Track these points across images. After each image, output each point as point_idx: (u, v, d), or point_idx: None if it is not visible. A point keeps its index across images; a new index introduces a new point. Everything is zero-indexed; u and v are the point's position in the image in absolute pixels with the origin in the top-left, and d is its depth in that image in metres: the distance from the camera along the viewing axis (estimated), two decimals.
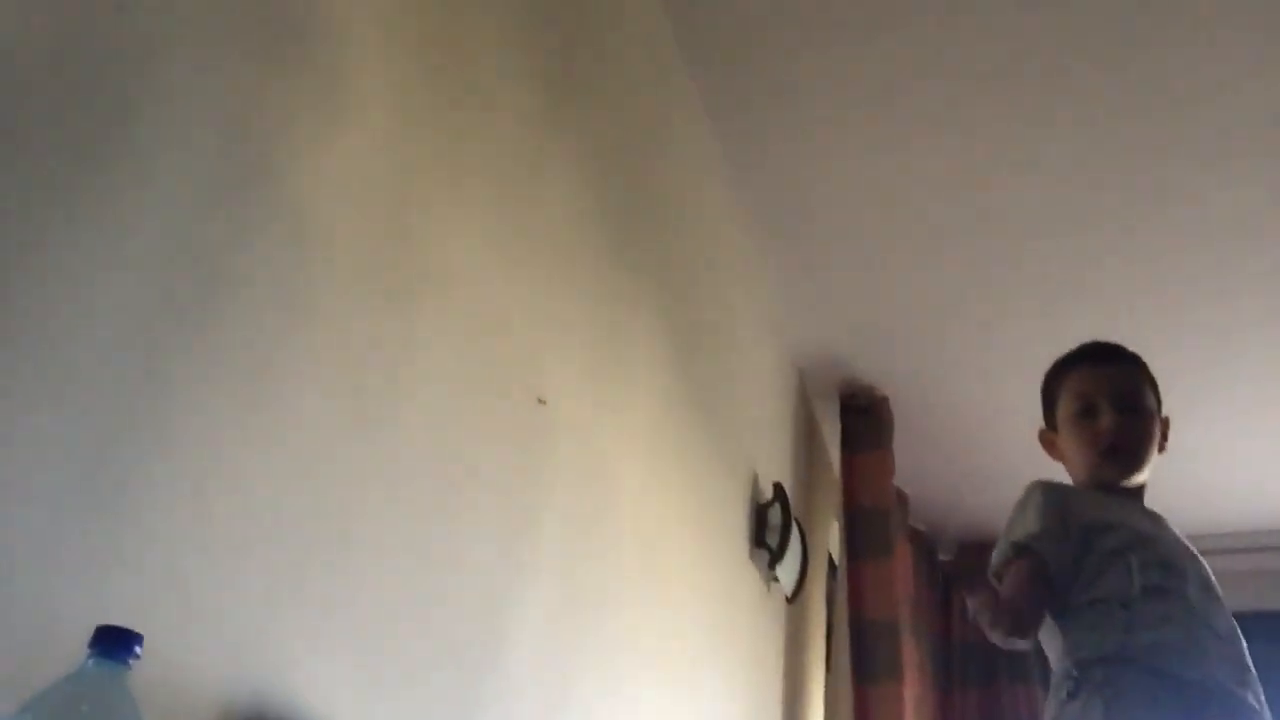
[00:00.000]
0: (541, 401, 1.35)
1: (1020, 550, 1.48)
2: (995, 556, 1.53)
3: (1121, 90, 2.03)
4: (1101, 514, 1.51)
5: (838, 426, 3.00)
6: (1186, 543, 1.57)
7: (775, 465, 2.57)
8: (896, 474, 3.11)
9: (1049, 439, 1.67)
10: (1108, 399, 1.57)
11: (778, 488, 2.42)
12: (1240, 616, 1.51)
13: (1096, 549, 1.47)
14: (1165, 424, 1.63)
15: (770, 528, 2.36)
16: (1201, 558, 1.56)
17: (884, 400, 3.00)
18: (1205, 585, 1.49)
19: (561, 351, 1.43)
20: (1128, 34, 1.92)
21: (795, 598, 2.57)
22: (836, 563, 2.99)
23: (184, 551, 0.77)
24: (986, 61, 1.99)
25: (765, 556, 2.35)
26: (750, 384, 2.46)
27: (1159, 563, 1.46)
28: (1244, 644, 1.46)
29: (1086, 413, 1.58)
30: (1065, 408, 1.62)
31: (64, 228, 0.70)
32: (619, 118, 1.72)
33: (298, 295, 0.92)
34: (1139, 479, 1.58)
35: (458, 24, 1.23)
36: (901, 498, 3.38)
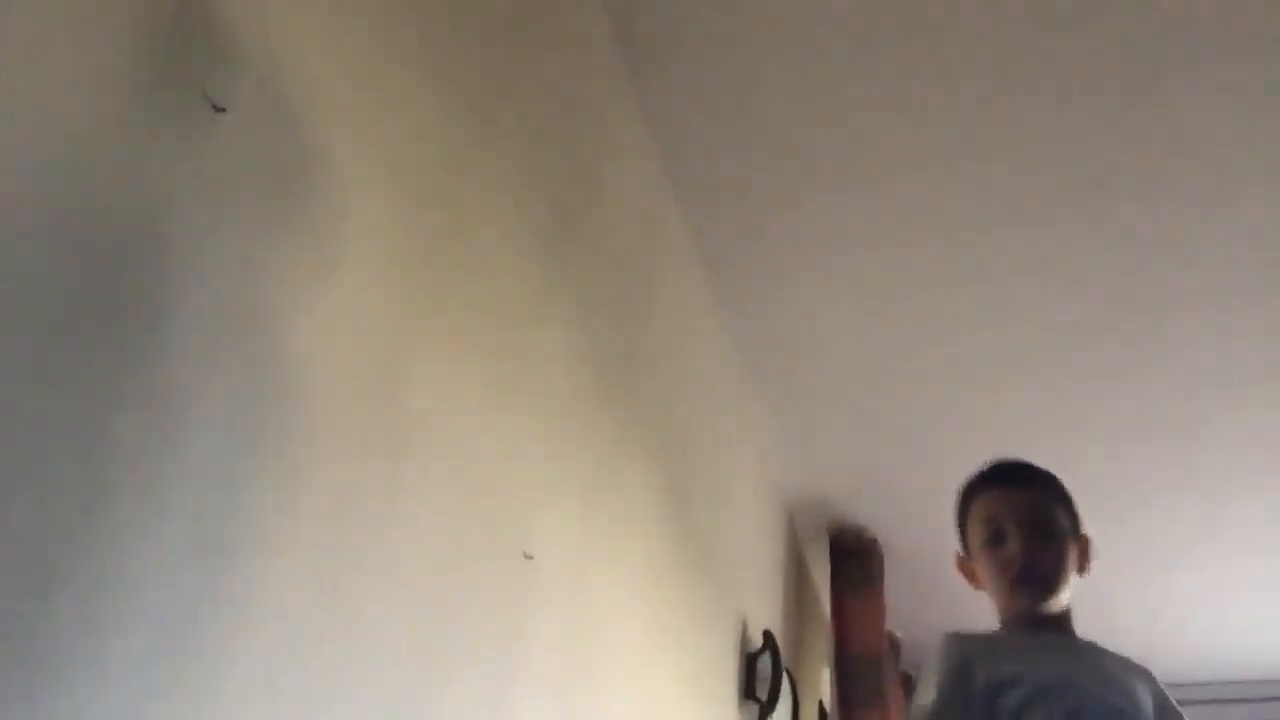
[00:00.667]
0: (528, 556, 1.31)
1: None
2: None
3: (1113, 239, 2.07)
4: (1006, 666, 1.41)
5: (828, 568, 2.96)
6: (1114, 671, 1.46)
7: (765, 611, 2.51)
8: (888, 617, 3.05)
9: (966, 566, 1.59)
10: (1016, 524, 1.49)
11: (768, 636, 2.35)
12: None
13: (999, 712, 1.37)
14: (1084, 543, 1.54)
15: (760, 679, 2.28)
16: (1142, 686, 1.44)
17: (873, 542, 2.96)
18: None
19: (550, 504, 1.40)
20: (1116, 184, 1.96)
21: None
22: (828, 710, 2.90)
23: None
24: (974, 214, 2.03)
25: (755, 709, 2.27)
26: (741, 528, 2.42)
27: (1066, 713, 1.35)
28: None
29: (996, 539, 1.50)
30: (975, 534, 1.55)
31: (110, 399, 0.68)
32: (614, 269, 1.73)
33: (282, 451, 0.90)
34: (1056, 606, 1.48)
35: (457, 179, 1.24)
36: (894, 642, 3.30)
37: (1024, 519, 1.50)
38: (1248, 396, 2.37)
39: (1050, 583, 1.48)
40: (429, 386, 1.14)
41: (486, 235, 1.31)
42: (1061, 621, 1.50)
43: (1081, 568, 1.53)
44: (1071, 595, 1.51)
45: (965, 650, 1.46)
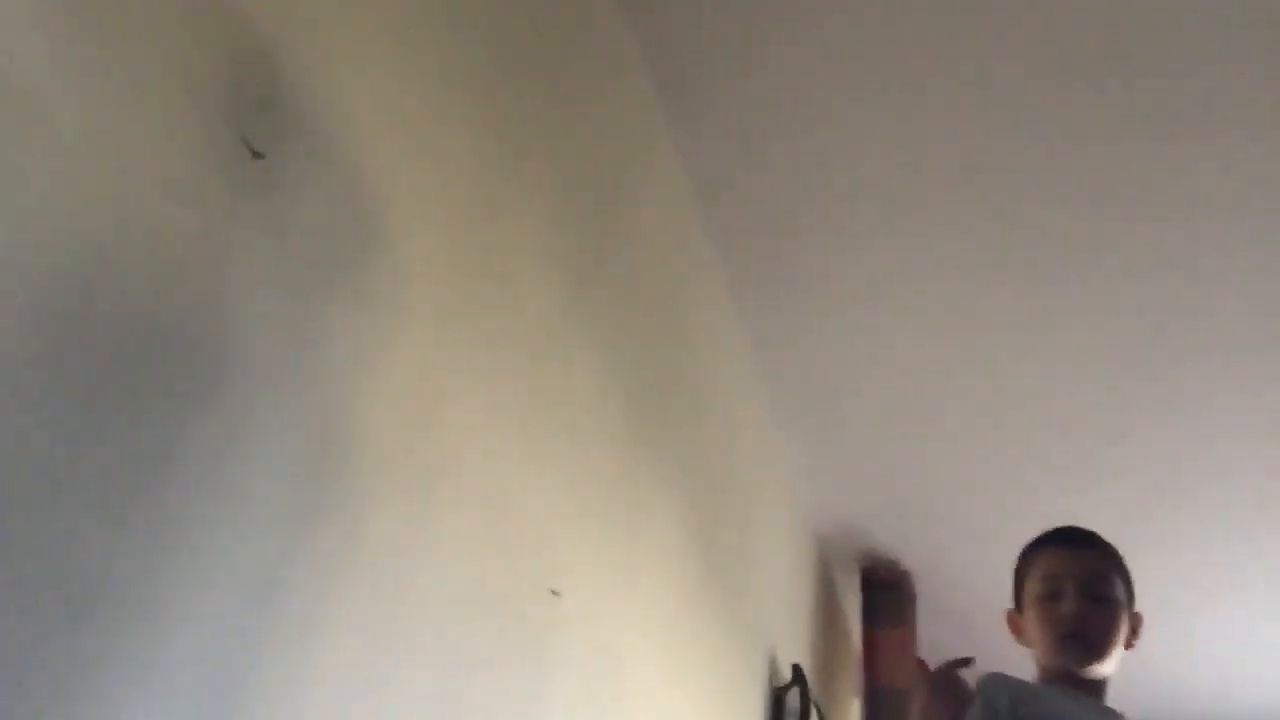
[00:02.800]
0: (555, 593, 1.31)
1: None
2: None
3: (1150, 278, 2.04)
4: (1045, 715, 1.43)
5: (859, 599, 2.93)
6: None
7: (794, 643, 2.50)
8: (922, 651, 3.02)
9: (1015, 621, 1.62)
10: (1074, 583, 1.52)
11: (796, 670, 2.34)
12: None
13: None
14: (1136, 619, 1.57)
15: (789, 713, 2.27)
16: None
17: (906, 575, 2.94)
18: None
19: (577, 540, 1.41)
20: (1150, 226, 1.94)
21: None
22: None
23: None
24: (1014, 256, 2.02)
25: None
26: (770, 560, 2.41)
27: None
28: None
29: (1052, 596, 1.53)
30: (1032, 589, 1.57)
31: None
32: (644, 304, 1.74)
33: (314, 491, 0.91)
34: (1100, 671, 1.51)
35: (490, 220, 1.26)
36: (923, 669, 3.26)
37: (1083, 581, 1.53)
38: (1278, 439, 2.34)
39: (1099, 646, 1.50)
40: (463, 425, 1.15)
41: (519, 274, 1.33)
42: (1099, 689, 1.52)
43: (1129, 643, 1.56)
44: (1114, 668, 1.52)
45: (1013, 692, 1.47)
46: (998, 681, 1.47)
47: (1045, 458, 2.53)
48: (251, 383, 0.85)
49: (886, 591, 2.89)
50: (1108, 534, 2.63)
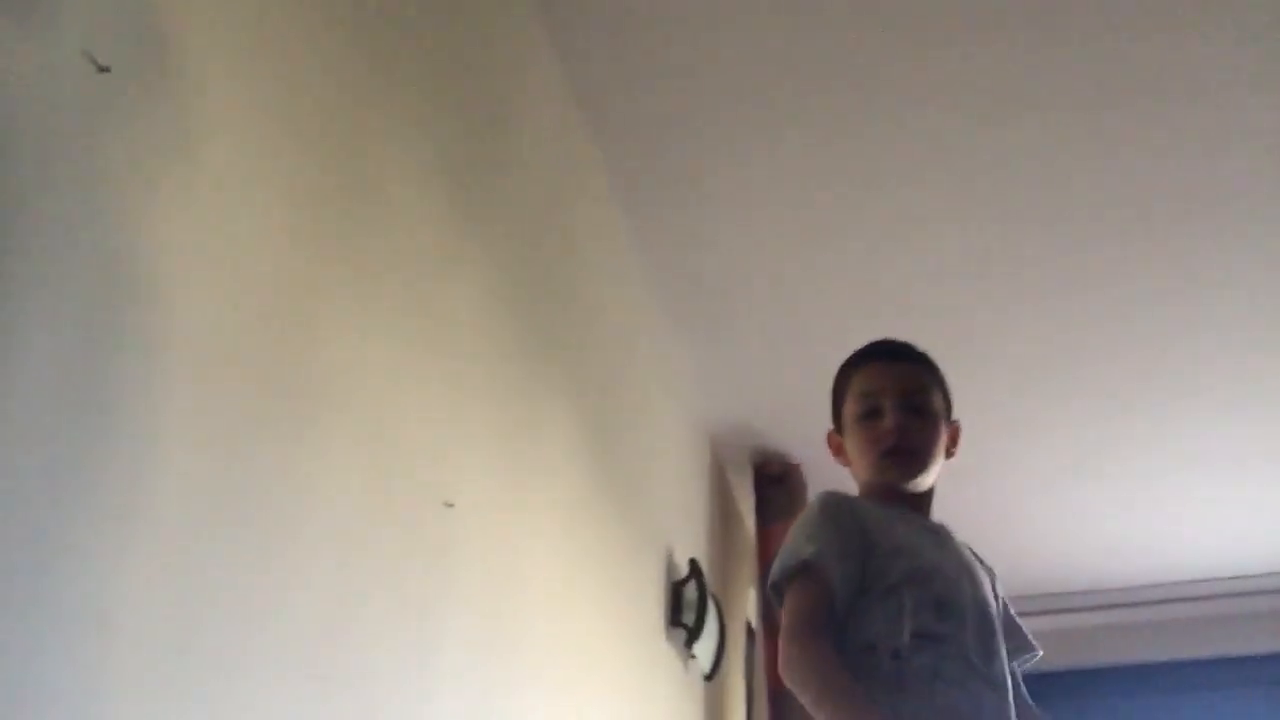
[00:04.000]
0: (449, 505, 1.32)
1: (804, 569, 1.36)
2: (776, 569, 1.40)
3: (1007, 184, 2.11)
4: (885, 537, 1.40)
5: (752, 495, 3.02)
6: (970, 560, 1.49)
7: (691, 540, 2.57)
8: None
9: (835, 442, 1.57)
10: (892, 398, 1.48)
11: (693, 564, 2.41)
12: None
13: (874, 580, 1.36)
14: (955, 429, 1.55)
15: (686, 605, 2.35)
16: (985, 574, 1.49)
17: (796, 468, 3.02)
18: (982, 622, 1.39)
19: (470, 451, 1.41)
20: (1016, 136, 2.00)
21: (714, 675, 2.55)
22: (755, 631, 2.99)
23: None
24: (886, 157, 2.07)
25: (682, 635, 2.34)
26: (664, 459, 2.46)
27: (935, 602, 1.36)
28: (1012, 692, 1.39)
29: (870, 414, 1.49)
30: (850, 408, 1.53)
31: None
32: (529, 213, 1.73)
33: (191, 416, 0.89)
34: (923, 484, 1.49)
35: (359, 128, 1.22)
36: None
37: (900, 395, 1.49)
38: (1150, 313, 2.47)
39: (921, 459, 1.48)
40: (341, 341, 1.14)
41: (395, 185, 1.30)
42: (923, 501, 1.51)
43: (949, 452, 1.54)
44: (935, 479, 1.51)
45: (851, 507, 1.44)
46: (843, 502, 1.44)
47: (930, 346, 2.62)
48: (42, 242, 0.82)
49: (777, 485, 2.98)
50: (988, 412, 2.76)
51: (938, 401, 1.53)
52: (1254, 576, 3.49)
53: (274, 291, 1.03)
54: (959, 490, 3.14)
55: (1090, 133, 2.03)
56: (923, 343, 2.54)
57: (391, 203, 1.29)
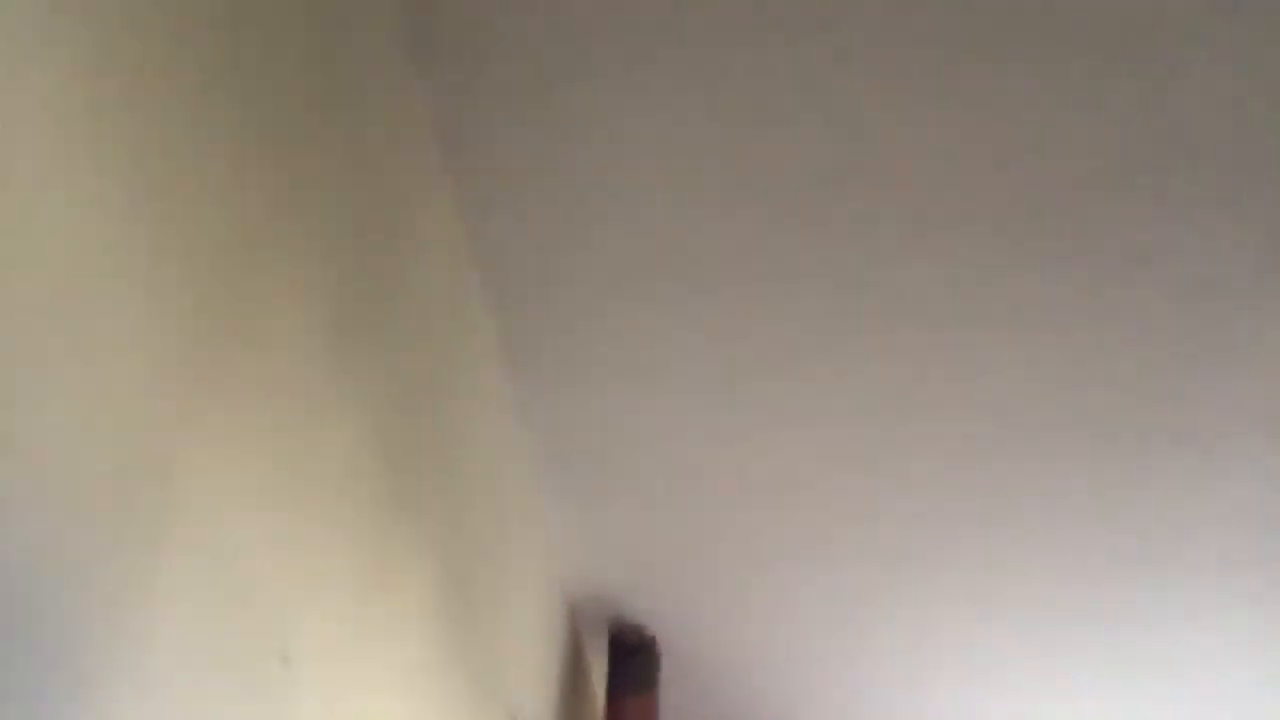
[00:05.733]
0: (285, 660, 1.24)
1: None
2: None
3: (885, 383, 2.19)
4: None
5: (606, 666, 2.94)
6: None
7: (540, 710, 2.47)
8: (663, 716, 3.05)
9: None
10: None
11: None
12: None
13: None
14: None
15: None
16: None
17: (653, 640, 2.97)
18: None
19: (317, 605, 1.33)
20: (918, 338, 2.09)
21: None
22: None
23: None
24: (773, 340, 2.12)
25: None
26: (520, 625, 2.38)
27: None
28: None
29: None
30: None
31: None
32: (410, 359, 1.70)
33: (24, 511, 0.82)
34: None
35: (248, 254, 1.19)
36: None
37: None
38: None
39: None
40: (199, 476, 1.07)
41: (276, 315, 1.26)
42: None
43: None
44: None
45: None
46: None
47: (795, 535, 2.65)
48: None
49: (632, 656, 2.91)
50: (844, 610, 2.78)
51: None
52: None
53: (134, 407, 0.97)
54: (824, 675, 3.13)
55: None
56: (798, 520, 2.59)
57: (271, 328, 1.25)
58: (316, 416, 1.36)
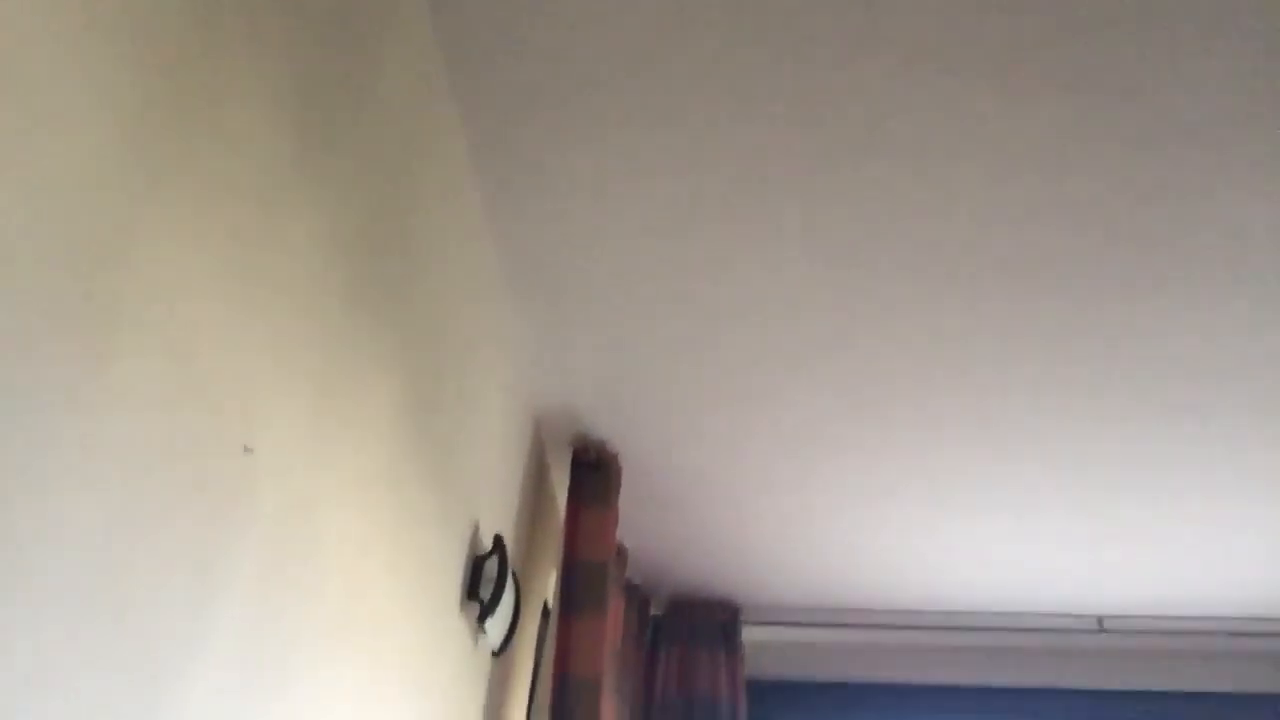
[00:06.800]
0: (248, 450, 1.27)
1: None
2: None
3: (851, 206, 2.19)
4: None
5: (568, 479, 3.04)
6: None
7: (500, 515, 2.56)
8: (620, 529, 3.18)
9: None
10: None
11: (497, 540, 2.40)
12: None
13: None
14: None
15: (485, 580, 2.34)
16: None
17: (614, 457, 3.06)
18: None
19: (279, 397, 1.36)
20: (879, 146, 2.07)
21: (503, 651, 2.55)
22: (551, 612, 3.01)
23: None
24: (742, 158, 2.10)
25: (476, 609, 2.33)
26: (485, 434, 2.44)
27: None
28: None
29: None
30: None
31: None
32: (379, 163, 1.67)
33: None
34: None
35: (206, 37, 1.16)
36: (621, 552, 3.45)
37: None
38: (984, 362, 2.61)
39: None
40: (153, 263, 1.07)
41: (240, 104, 1.23)
42: None
43: None
44: None
45: None
46: None
47: (756, 361, 2.69)
48: None
49: (593, 472, 3.00)
50: (802, 434, 2.85)
51: None
52: (1014, 614, 3.78)
53: (87, 189, 0.97)
54: (775, 499, 3.25)
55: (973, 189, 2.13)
56: (760, 350, 2.63)
57: (235, 121, 1.22)
58: (280, 210, 1.35)
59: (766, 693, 3.91)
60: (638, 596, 3.71)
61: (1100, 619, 3.75)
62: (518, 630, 2.63)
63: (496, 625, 2.43)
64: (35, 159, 0.90)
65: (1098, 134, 2.00)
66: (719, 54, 1.90)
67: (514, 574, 2.49)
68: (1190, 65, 1.86)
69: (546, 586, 3.10)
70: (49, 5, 0.91)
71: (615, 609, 3.13)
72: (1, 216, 0.86)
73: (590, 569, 2.92)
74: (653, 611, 3.85)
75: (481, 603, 2.32)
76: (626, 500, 3.24)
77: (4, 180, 0.86)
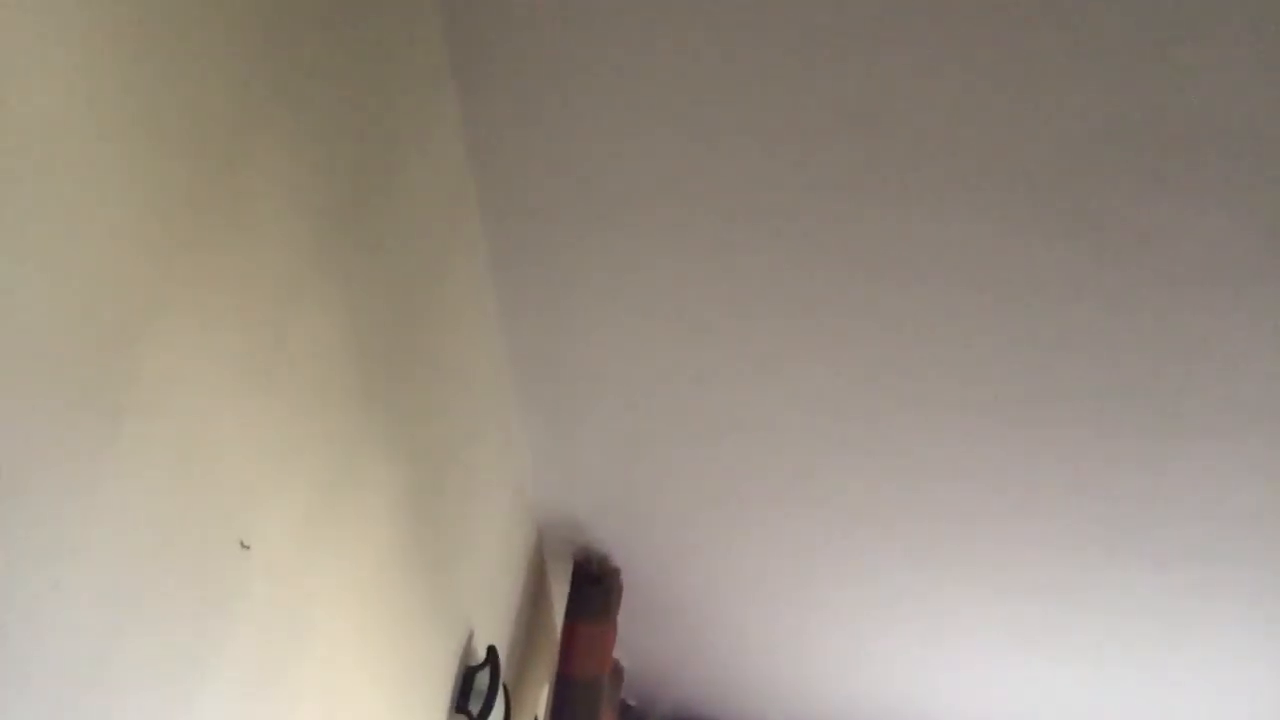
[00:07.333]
0: (244, 546, 1.24)
1: None
2: None
3: (868, 339, 2.19)
4: None
5: (567, 591, 2.98)
6: None
7: (495, 626, 2.50)
8: (617, 646, 3.10)
9: None
10: None
11: (491, 651, 2.34)
12: None
13: None
14: None
15: (475, 693, 2.27)
16: None
17: (616, 571, 3.00)
18: None
19: (281, 495, 1.34)
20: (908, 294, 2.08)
21: None
22: None
23: None
24: (768, 285, 2.11)
25: None
26: (485, 539, 2.40)
27: None
28: None
29: None
30: None
31: None
32: (397, 261, 1.69)
33: None
34: None
35: (242, 135, 1.18)
36: (617, 670, 3.36)
37: None
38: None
39: None
40: (167, 348, 1.07)
41: (265, 197, 1.25)
42: None
43: None
44: None
45: None
46: None
47: (764, 480, 2.66)
48: None
49: (595, 585, 2.94)
50: (798, 556, 2.79)
51: None
52: None
53: (106, 271, 0.96)
54: (761, 608, 3.16)
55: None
56: (775, 472, 2.60)
57: (257, 214, 1.23)
58: (295, 304, 1.35)
59: None
60: (632, 718, 3.60)
61: None
62: None
63: None
64: (60, 240, 0.90)
65: (1119, 275, 2.00)
66: (737, 180, 1.92)
67: (505, 687, 2.42)
68: (1213, 209, 1.87)
69: (538, 702, 3.01)
70: (86, 95, 0.92)
71: None
72: (24, 290, 0.86)
73: (583, 686, 2.84)
74: None
75: (470, 716, 2.25)
76: (625, 615, 3.17)
77: (30, 254, 0.86)
